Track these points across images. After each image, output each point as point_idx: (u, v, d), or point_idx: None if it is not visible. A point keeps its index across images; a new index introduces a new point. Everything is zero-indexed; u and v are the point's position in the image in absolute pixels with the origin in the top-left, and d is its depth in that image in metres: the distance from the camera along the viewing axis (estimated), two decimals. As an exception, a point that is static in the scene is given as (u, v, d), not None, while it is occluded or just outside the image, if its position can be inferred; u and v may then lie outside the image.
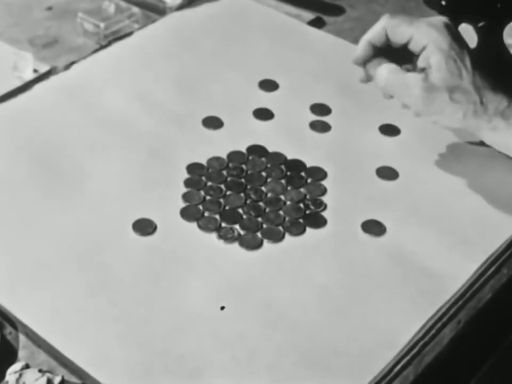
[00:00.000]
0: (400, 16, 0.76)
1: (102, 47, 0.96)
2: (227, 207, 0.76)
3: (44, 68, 0.92)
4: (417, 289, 0.69)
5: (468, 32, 0.93)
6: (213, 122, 0.86)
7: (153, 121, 0.85)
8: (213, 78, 0.92)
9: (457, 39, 0.75)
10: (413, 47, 0.75)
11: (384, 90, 0.78)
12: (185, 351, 0.64)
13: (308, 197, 0.77)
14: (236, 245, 0.72)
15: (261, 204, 0.76)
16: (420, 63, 0.75)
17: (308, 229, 0.74)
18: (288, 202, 0.76)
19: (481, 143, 0.81)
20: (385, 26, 0.76)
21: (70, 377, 0.63)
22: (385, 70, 0.76)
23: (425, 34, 0.74)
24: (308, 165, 0.80)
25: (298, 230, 0.74)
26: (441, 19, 0.76)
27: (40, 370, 0.62)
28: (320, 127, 0.85)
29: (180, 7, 1.03)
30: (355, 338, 0.65)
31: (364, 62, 0.78)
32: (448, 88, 0.73)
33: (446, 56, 0.73)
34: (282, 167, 0.80)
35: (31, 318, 0.66)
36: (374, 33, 0.77)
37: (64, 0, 1.05)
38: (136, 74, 0.92)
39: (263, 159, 0.81)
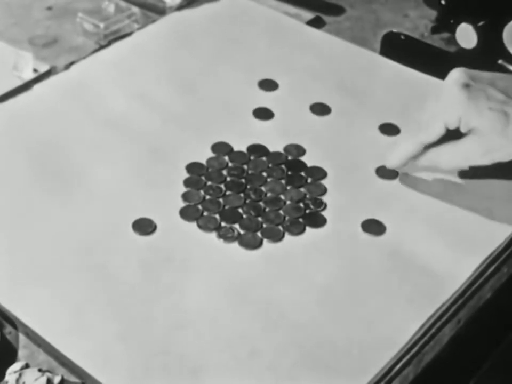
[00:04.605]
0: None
1: (102, 47, 0.96)
2: (227, 207, 0.76)
3: (43, 68, 0.92)
4: (416, 288, 0.69)
5: (468, 32, 0.93)
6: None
7: (153, 120, 0.85)
8: (213, 78, 0.92)
9: (477, 79, 0.73)
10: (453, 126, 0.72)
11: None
12: (185, 351, 0.63)
13: (307, 196, 0.77)
14: (235, 245, 0.72)
15: (261, 203, 0.76)
16: (463, 129, 0.72)
17: (308, 229, 0.74)
18: (288, 202, 0.76)
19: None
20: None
21: (69, 376, 0.63)
22: (445, 155, 0.73)
23: (452, 112, 0.71)
24: (308, 164, 0.80)
25: (298, 230, 0.74)
26: (452, 77, 0.73)
27: (40, 370, 0.62)
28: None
29: (180, 7, 1.03)
30: (355, 337, 0.65)
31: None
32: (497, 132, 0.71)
33: (478, 114, 0.71)
34: (283, 166, 0.80)
35: (30, 317, 0.66)
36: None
37: (63, 0, 1.05)
38: (135, 74, 0.92)
39: (264, 158, 0.81)
